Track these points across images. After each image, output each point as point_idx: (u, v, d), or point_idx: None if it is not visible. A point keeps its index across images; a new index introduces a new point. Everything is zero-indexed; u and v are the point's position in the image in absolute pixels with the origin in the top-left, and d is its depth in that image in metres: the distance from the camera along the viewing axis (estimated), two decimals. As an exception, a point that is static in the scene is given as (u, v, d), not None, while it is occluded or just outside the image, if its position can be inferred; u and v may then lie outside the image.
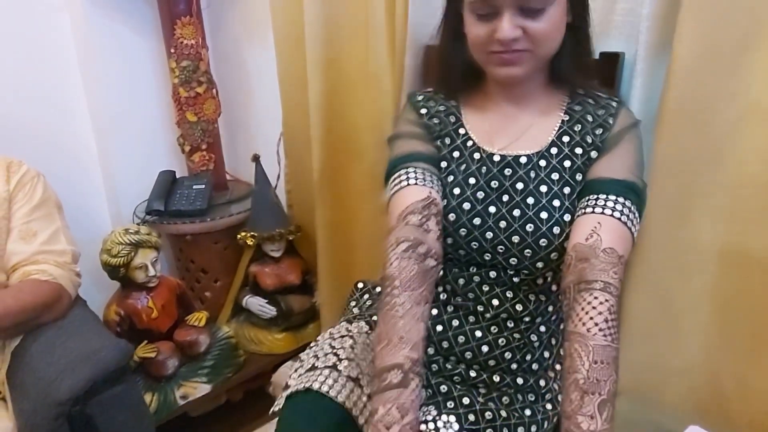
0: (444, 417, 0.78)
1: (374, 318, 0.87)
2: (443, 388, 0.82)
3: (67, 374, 0.91)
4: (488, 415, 0.79)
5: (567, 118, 0.80)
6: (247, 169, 1.67)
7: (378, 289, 0.95)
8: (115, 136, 1.57)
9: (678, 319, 0.92)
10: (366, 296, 0.97)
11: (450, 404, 0.80)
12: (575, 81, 0.80)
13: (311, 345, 0.88)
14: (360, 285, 1.00)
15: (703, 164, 0.82)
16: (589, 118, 0.78)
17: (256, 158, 1.48)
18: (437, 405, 0.80)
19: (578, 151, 0.78)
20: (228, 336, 1.44)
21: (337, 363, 0.80)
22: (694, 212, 0.85)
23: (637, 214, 0.73)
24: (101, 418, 0.94)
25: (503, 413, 0.79)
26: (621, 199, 0.72)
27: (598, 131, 0.77)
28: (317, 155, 1.36)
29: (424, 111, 0.86)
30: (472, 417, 0.79)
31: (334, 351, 0.82)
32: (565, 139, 0.79)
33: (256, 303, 1.50)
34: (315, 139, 1.35)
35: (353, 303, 0.97)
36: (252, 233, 1.46)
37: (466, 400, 0.80)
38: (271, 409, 0.80)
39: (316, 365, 0.80)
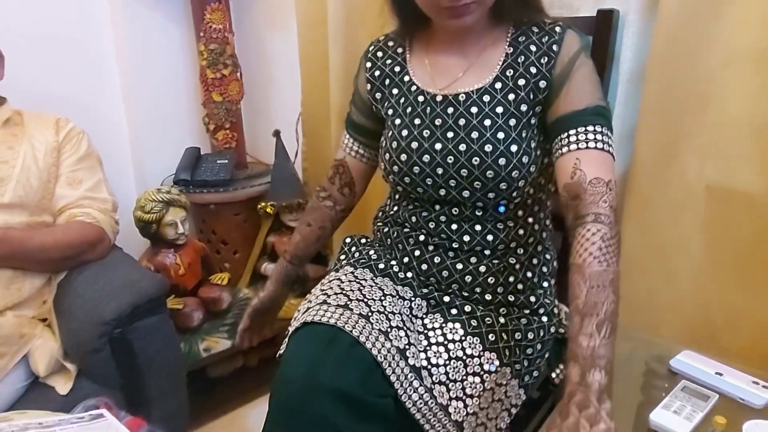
0: (450, 324, 0.86)
1: (361, 260, 0.94)
2: (446, 299, 0.89)
3: (111, 298, 0.99)
4: (488, 320, 0.86)
5: (511, 50, 0.83)
6: (265, 150, 1.78)
7: (363, 240, 1.03)
8: (144, 114, 1.69)
9: (670, 254, 1.00)
10: (354, 248, 1.01)
11: (453, 311, 0.88)
12: (519, 13, 0.82)
13: (307, 296, 0.92)
14: (348, 240, 1.05)
15: (688, 106, 0.91)
16: (533, 48, 0.81)
17: (276, 133, 1.58)
18: (442, 312, 0.88)
19: (521, 82, 0.81)
20: (248, 297, 1.52)
21: (327, 299, 0.83)
22: (681, 150, 0.94)
23: (609, 133, 0.78)
24: (139, 343, 1.02)
25: (501, 320, 0.86)
26: (590, 128, 0.76)
27: (543, 60, 0.80)
28: (335, 127, 1.46)
29: (369, 64, 0.95)
30: (474, 322, 0.86)
31: (324, 292, 0.86)
32: (509, 72, 0.82)
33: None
34: (334, 112, 1.45)
35: (342, 256, 1.02)
36: (271, 203, 1.56)
37: (467, 308, 0.88)
38: (277, 354, 0.85)
39: (309, 307, 0.84)
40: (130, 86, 1.66)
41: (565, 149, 0.78)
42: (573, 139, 0.78)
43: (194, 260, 1.43)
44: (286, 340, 0.84)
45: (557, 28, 0.82)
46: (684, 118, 0.93)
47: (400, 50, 0.93)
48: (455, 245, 0.88)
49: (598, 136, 0.77)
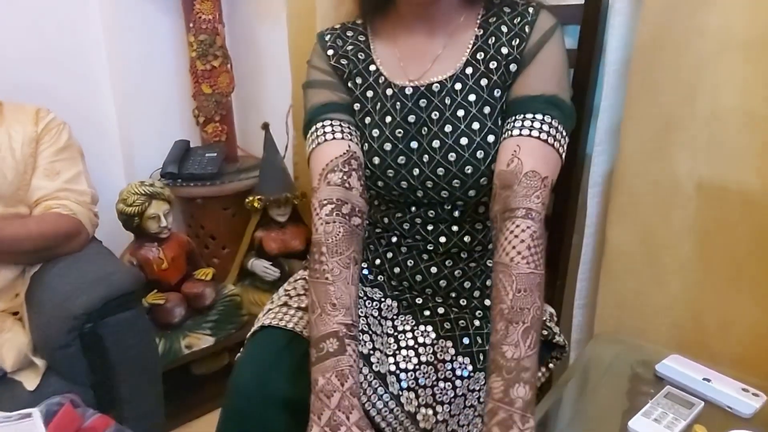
0: (422, 327, 0.81)
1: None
2: (419, 300, 0.84)
3: (82, 291, 0.97)
4: (462, 323, 0.81)
5: (481, 32, 0.77)
6: (256, 144, 1.75)
7: None
8: (134, 106, 1.67)
9: (659, 255, 0.96)
10: None
11: (426, 313, 0.83)
12: None
13: (272, 296, 0.89)
14: None
15: (677, 97, 0.87)
16: (504, 29, 0.76)
17: (265, 126, 1.56)
18: (414, 314, 0.83)
19: (493, 65, 0.76)
20: (233, 293, 1.50)
21: (289, 300, 0.81)
22: (670, 145, 0.89)
23: (561, 128, 0.72)
24: (111, 339, 1.00)
25: (476, 323, 0.82)
26: (539, 116, 0.71)
27: (515, 42, 0.75)
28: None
29: (331, 52, 0.84)
30: (447, 325, 0.81)
31: (287, 293, 0.84)
32: (480, 55, 0.77)
33: (260, 265, 1.56)
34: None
35: None
36: (259, 197, 1.53)
37: (440, 310, 0.83)
38: (236, 357, 0.81)
39: (270, 308, 0.83)
40: (119, 77, 1.64)
41: (507, 134, 0.73)
42: (518, 124, 0.72)
43: (178, 255, 1.41)
44: (245, 342, 0.81)
45: (530, 9, 0.76)
46: (673, 110, 0.88)
47: (362, 38, 0.84)
48: (430, 247, 0.82)
49: (545, 127, 0.71)
